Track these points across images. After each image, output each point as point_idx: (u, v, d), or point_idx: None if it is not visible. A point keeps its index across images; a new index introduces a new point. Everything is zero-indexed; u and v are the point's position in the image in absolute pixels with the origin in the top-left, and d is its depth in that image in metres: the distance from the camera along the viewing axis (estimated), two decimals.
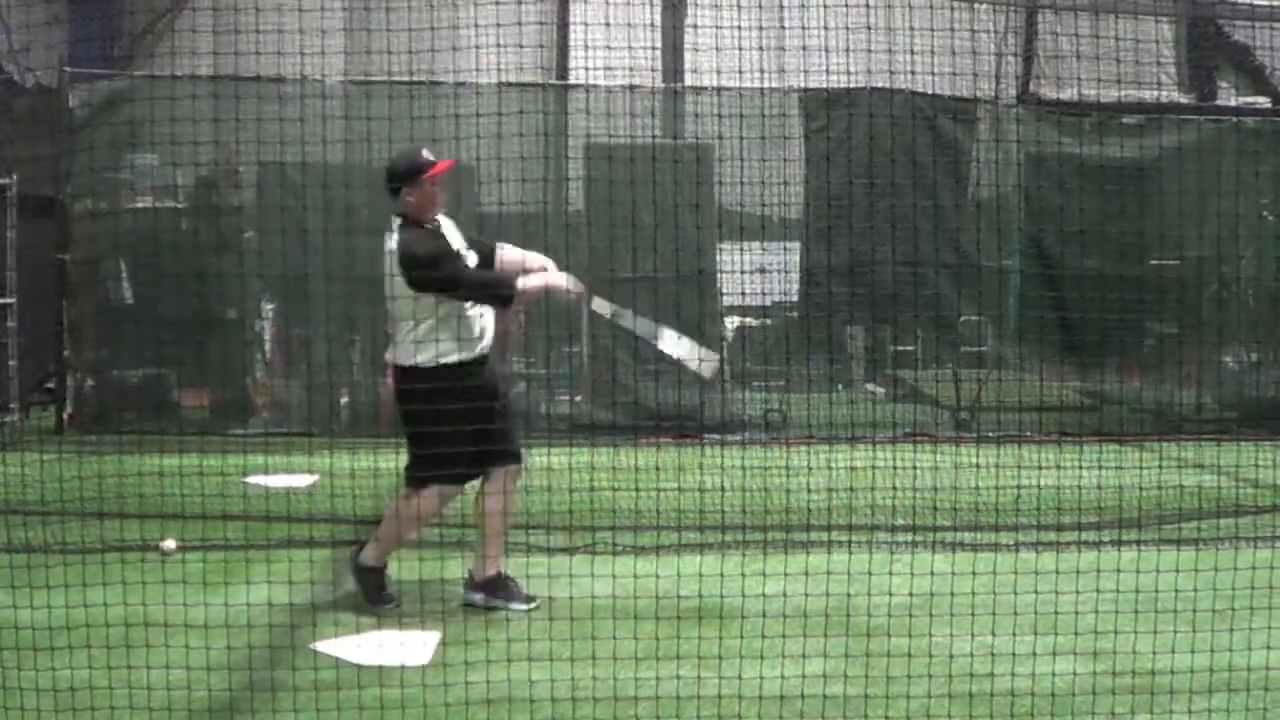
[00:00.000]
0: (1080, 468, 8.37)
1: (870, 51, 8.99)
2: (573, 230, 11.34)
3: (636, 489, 7.47)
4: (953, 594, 5.28)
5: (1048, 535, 7.61)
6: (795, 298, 13.05)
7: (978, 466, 7.53)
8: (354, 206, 10.97)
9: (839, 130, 12.25)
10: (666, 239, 10.99)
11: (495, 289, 6.06)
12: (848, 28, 7.10)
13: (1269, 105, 15.26)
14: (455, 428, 5.81)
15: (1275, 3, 14.95)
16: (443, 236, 6.09)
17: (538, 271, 6.20)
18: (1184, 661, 4.91)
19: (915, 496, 7.92)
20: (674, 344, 6.19)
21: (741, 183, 10.32)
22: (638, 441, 10.30)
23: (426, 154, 6.16)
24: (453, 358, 5.97)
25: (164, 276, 11.86)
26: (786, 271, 12.67)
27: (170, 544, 7.05)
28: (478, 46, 8.04)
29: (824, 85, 10.70)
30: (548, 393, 11.94)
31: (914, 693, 4.74)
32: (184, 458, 8.61)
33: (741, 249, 11.28)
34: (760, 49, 8.93)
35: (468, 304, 5.99)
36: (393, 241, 6.01)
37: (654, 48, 11.60)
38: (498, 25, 7.12)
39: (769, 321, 13.12)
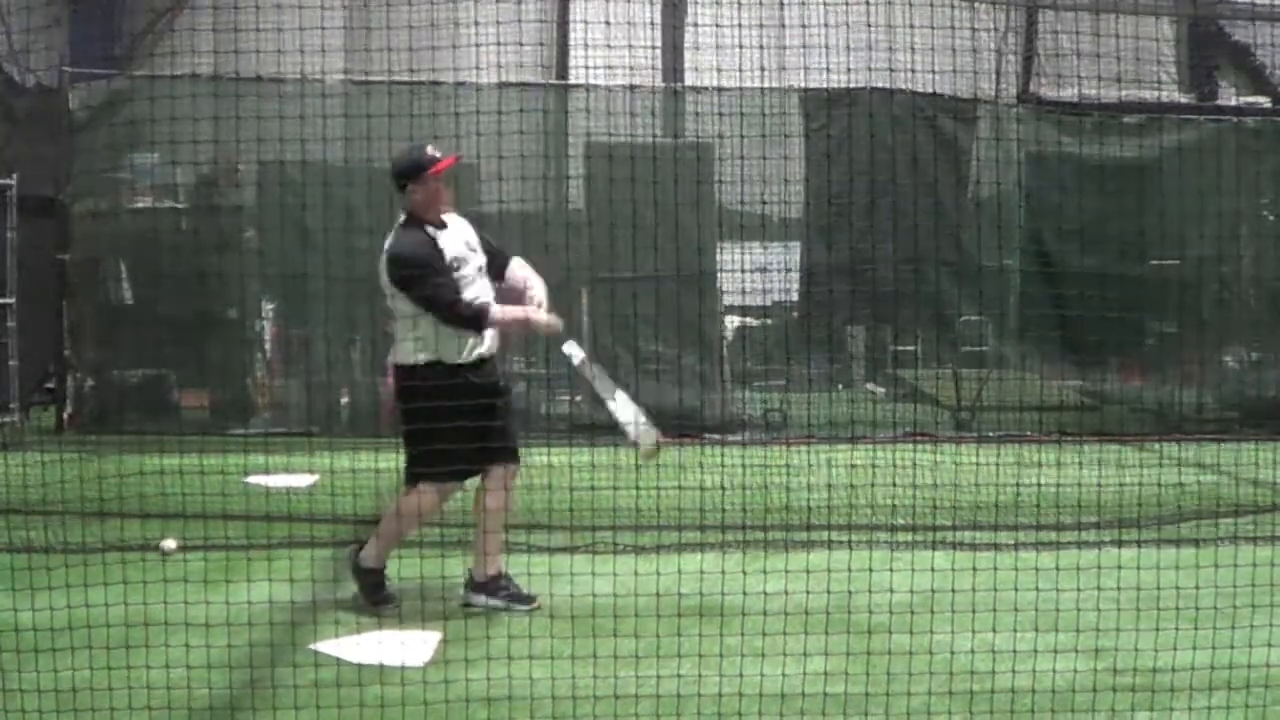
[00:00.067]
0: (1080, 467, 8.37)
1: (870, 51, 8.99)
2: (573, 229, 11.33)
3: (637, 488, 7.46)
4: (953, 592, 5.27)
5: (1048, 534, 7.60)
6: (795, 297, 13.05)
7: (978, 465, 7.52)
8: (354, 206, 10.99)
9: (839, 130, 12.23)
10: (667, 238, 10.99)
11: (465, 318, 5.97)
12: (848, 26, 7.10)
13: (1269, 105, 15.24)
14: (455, 426, 5.81)
15: (1275, 3, 14.94)
16: (436, 245, 6.01)
17: (528, 305, 6.17)
18: (1184, 659, 4.90)
19: (915, 495, 7.91)
20: (623, 408, 6.23)
21: (742, 182, 10.34)
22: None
23: (431, 150, 6.16)
24: (453, 358, 5.97)
25: (164, 276, 11.85)
26: (787, 271, 12.67)
27: (170, 544, 7.04)
28: (478, 45, 8.05)
29: (824, 85, 10.67)
30: (548, 393, 11.93)
31: (915, 691, 4.74)
32: (184, 457, 8.59)
33: (742, 248, 11.28)
34: (760, 48, 8.91)
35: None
36: (389, 240, 6.06)
37: (654, 47, 11.57)
38: (498, 24, 7.14)
39: (769, 321, 13.11)
